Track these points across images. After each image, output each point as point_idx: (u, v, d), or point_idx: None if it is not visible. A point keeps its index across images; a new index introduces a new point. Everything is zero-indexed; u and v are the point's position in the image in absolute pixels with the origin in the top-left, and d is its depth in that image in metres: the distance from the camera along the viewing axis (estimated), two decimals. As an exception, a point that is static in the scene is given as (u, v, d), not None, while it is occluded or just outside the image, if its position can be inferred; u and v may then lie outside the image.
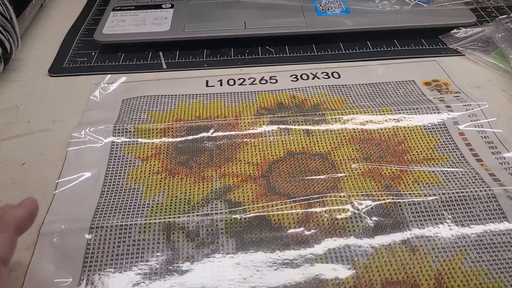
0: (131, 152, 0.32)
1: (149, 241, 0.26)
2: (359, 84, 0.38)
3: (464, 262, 0.25)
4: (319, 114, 0.34)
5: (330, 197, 0.28)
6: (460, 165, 0.30)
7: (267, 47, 0.43)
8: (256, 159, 0.31)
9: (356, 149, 0.31)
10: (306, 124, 0.33)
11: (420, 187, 0.28)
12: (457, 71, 0.39)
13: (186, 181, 0.30)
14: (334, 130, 0.33)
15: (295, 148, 0.32)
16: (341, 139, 0.32)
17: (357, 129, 0.33)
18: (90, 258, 0.25)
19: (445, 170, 0.30)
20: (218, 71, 0.40)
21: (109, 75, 0.39)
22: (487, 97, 0.36)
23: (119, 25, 0.44)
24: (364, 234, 0.26)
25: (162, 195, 0.29)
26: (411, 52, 0.42)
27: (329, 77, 0.39)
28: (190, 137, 0.33)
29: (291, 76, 0.39)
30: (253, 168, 0.30)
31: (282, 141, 0.32)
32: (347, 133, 0.33)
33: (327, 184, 0.29)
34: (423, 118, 0.33)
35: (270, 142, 0.32)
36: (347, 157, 0.31)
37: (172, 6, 0.46)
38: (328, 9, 0.45)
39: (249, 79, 0.39)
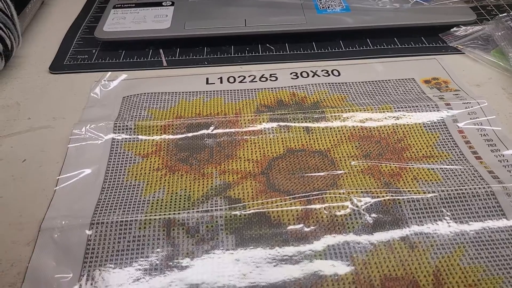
0: (132, 149, 0.32)
1: (149, 237, 0.26)
2: (359, 82, 0.38)
3: (463, 258, 0.25)
4: (319, 111, 0.34)
5: (329, 194, 0.28)
6: (459, 163, 0.30)
7: (267, 44, 0.43)
8: (256, 156, 0.31)
9: (356, 146, 0.32)
10: (306, 122, 0.33)
11: (419, 184, 0.29)
12: (457, 69, 0.39)
13: (186, 177, 0.30)
14: (333, 128, 0.33)
15: (295, 145, 0.32)
16: (340, 136, 0.32)
17: (356, 126, 0.33)
18: (90, 254, 0.25)
19: (444, 168, 0.30)
20: (218, 68, 0.40)
21: (109, 73, 0.40)
22: (486, 95, 0.36)
23: (119, 22, 0.44)
24: (363, 230, 0.26)
25: (162, 192, 0.29)
26: (411, 50, 0.42)
27: (329, 75, 0.39)
28: (190, 134, 0.33)
29: (291, 73, 0.39)
30: (253, 165, 0.30)
31: (282, 138, 0.32)
32: (347, 130, 0.33)
33: (327, 181, 0.29)
34: (423, 116, 0.34)
35: (270, 139, 0.32)
36: (347, 154, 0.31)
37: (172, 4, 0.47)
38: (328, 7, 0.45)
39: (249, 76, 0.39)
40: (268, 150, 0.31)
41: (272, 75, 0.39)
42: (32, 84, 0.39)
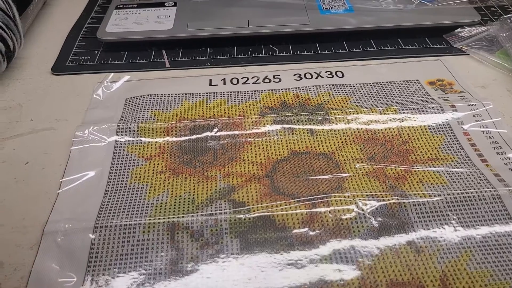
0: (135, 151, 0.32)
1: (153, 241, 0.26)
2: (363, 84, 0.38)
3: (470, 263, 0.24)
4: (323, 113, 0.34)
5: (334, 197, 0.28)
6: (465, 166, 0.30)
7: (271, 45, 0.43)
8: (260, 159, 0.31)
9: (360, 149, 0.31)
10: (310, 124, 0.33)
11: (425, 187, 0.28)
12: (461, 70, 0.39)
13: (190, 180, 0.30)
14: (338, 130, 0.33)
15: (299, 148, 0.32)
16: (345, 138, 0.32)
17: (361, 128, 0.33)
18: (94, 258, 0.25)
19: (450, 171, 0.30)
20: (221, 69, 0.40)
21: (112, 74, 0.39)
22: (491, 97, 0.36)
23: (122, 23, 0.43)
24: (369, 234, 0.26)
25: (166, 195, 0.29)
26: (415, 51, 0.42)
27: (332, 76, 0.39)
28: (193, 137, 0.33)
29: (294, 75, 0.39)
30: (257, 167, 0.30)
31: (286, 140, 0.32)
32: (351, 132, 0.33)
33: (332, 184, 0.29)
34: (428, 118, 0.33)
35: (274, 141, 0.32)
36: (351, 157, 0.31)
37: (175, 4, 0.46)
38: (331, 8, 0.45)
39: (252, 78, 0.39)
40: (272, 153, 0.31)
41: (276, 77, 0.39)
42: (34, 85, 0.39)
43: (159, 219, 0.27)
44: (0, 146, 0.33)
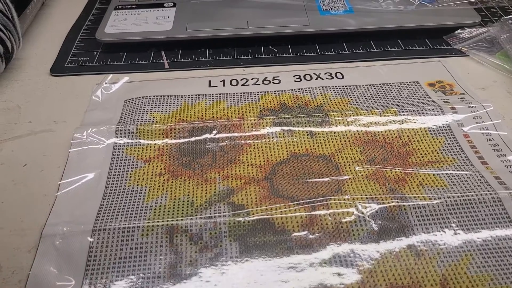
0: (134, 154, 0.32)
1: (152, 244, 0.26)
2: (362, 85, 0.38)
3: (470, 267, 0.24)
4: (322, 115, 0.33)
5: (334, 200, 0.27)
6: (465, 168, 0.30)
7: (270, 47, 0.43)
8: (260, 161, 0.31)
9: (360, 151, 0.31)
10: (309, 126, 0.33)
11: (425, 190, 0.28)
12: (461, 72, 0.39)
13: (189, 183, 0.29)
14: (337, 132, 0.33)
15: (299, 150, 0.31)
16: (345, 141, 0.32)
17: (361, 131, 0.33)
18: (92, 261, 0.25)
19: (450, 173, 0.29)
20: (221, 71, 0.40)
21: (111, 75, 0.39)
22: (492, 99, 0.35)
23: (121, 24, 0.43)
24: (368, 238, 0.26)
25: (165, 197, 0.29)
26: (415, 52, 0.41)
27: (332, 77, 0.39)
28: (193, 139, 0.32)
29: (294, 76, 0.39)
30: (257, 170, 0.30)
31: (285, 142, 0.32)
32: (351, 135, 0.32)
33: (331, 187, 0.29)
34: (428, 120, 0.33)
35: (274, 143, 0.32)
36: (351, 159, 0.31)
37: (174, 5, 0.46)
38: (331, 9, 0.45)
39: (252, 79, 0.39)
40: (271, 155, 0.31)
41: (275, 78, 0.39)
42: (33, 86, 0.39)
43: (157, 222, 0.27)
44: (-2, 148, 0.33)
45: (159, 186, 0.29)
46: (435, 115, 0.33)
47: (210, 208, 0.28)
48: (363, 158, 0.31)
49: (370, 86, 0.37)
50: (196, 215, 0.27)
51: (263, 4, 0.45)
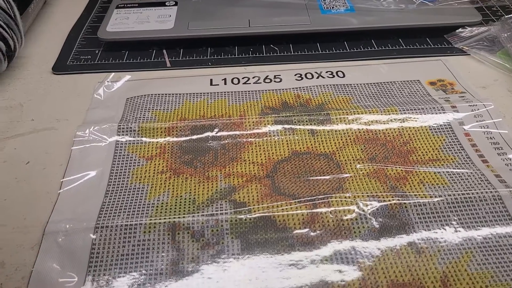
0: (136, 152, 0.32)
1: (154, 241, 0.26)
2: (364, 84, 0.38)
3: (470, 264, 0.24)
4: (324, 113, 0.34)
5: (335, 198, 0.28)
6: (465, 166, 0.30)
7: (271, 45, 0.43)
8: (261, 159, 0.31)
9: (361, 149, 0.31)
10: (311, 124, 0.33)
11: (425, 188, 0.28)
12: (462, 70, 0.39)
13: (191, 180, 0.30)
14: (339, 130, 0.33)
15: (300, 148, 0.32)
16: (346, 139, 0.32)
17: (362, 129, 0.33)
18: (95, 258, 0.25)
19: (451, 171, 0.30)
20: (222, 69, 0.40)
21: (113, 73, 0.39)
22: (492, 97, 0.36)
23: (122, 22, 0.43)
24: (369, 235, 0.26)
25: (167, 195, 0.29)
26: (416, 51, 0.42)
27: (333, 76, 0.39)
28: (194, 137, 0.33)
29: (295, 75, 0.39)
30: (258, 168, 0.30)
31: (287, 141, 0.32)
32: (352, 133, 0.33)
33: (332, 185, 0.29)
34: (429, 119, 0.33)
35: (275, 142, 0.32)
36: (352, 157, 0.31)
37: (176, 4, 0.46)
38: (332, 7, 0.45)
39: (253, 78, 0.39)
40: (273, 153, 0.31)
41: (277, 76, 0.39)
42: (35, 85, 0.39)
43: (160, 219, 0.27)
44: (1, 146, 0.33)
45: (161, 183, 0.30)
46: (436, 113, 0.34)
47: (212, 205, 0.28)
48: (364, 156, 0.31)
49: (371, 85, 0.38)
50: (198, 213, 0.27)
51: (264, 3, 0.46)
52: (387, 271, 0.24)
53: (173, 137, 0.33)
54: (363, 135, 0.32)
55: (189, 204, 0.28)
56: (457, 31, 0.43)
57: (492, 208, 0.27)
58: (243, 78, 0.39)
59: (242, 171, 0.30)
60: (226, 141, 0.32)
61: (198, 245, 0.26)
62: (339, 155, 0.31)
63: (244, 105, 0.36)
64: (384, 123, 0.33)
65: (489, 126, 0.33)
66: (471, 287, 0.24)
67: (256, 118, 0.34)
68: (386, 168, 0.30)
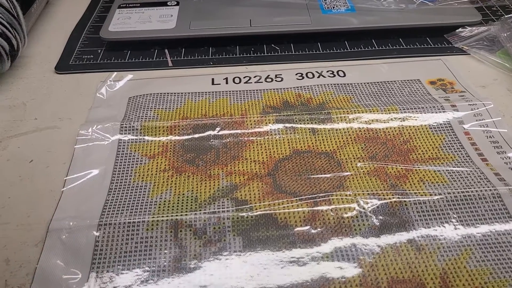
0: (138, 150, 0.32)
1: (156, 238, 0.26)
2: (364, 83, 0.38)
3: (470, 261, 0.25)
4: (324, 112, 0.34)
5: (336, 196, 0.28)
6: (465, 165, 0.30)
7: (273, 45, 0.43)
8: (263, 158, 0.31)
9: (362, 148, 0.32)
10: (312, 123, 0.33)
11: (425, 186, 0.29)
12: (462, 70, 0.39)
13: (193, 179, 0.30)
14: (339, 129, 0.33)
15: (301, 147, 0.32)
16: (346, 138, 0.32)
17: (362, 128, 0.33)
18: (98, 255, 0.26)
19: (450, 170, 0.30)
20: (224, 69, 0.41)
21: (115, 73, 0.40)
22: (492, 97, 0.36)
23: (125, 22, 0.44)
24: (370, 233, 0.26)
25: (169, 193, 0.29)
26: (416, 50, 0.42)
27: (334, 75, 0.39)
28: (196, 135, 0.33)
29: (296, 74, 0.39)
30: (260, 166, 0.31)
31: (288, 139, 0.32)
32: (353, 132, 0.33)
33: (333, 183, 0.29)
34: (429, 117, 0.34)
35: (276, 140, 0.32)
36: (353, 156, 0.31)
37: (177, 4, 0.47)
38: (333, 7, 0.45)
39: (254, 77, 0.39)
40: (274, 152, 0.32)
41: (278, 76, 0.39)
42: (38, 84, 0.39)
43: (162, 217, 0.27)
44: (4, 145, 0.33)
45: (163, 182, 0.30)
46: (436, 112, 0.34)
47: (214, 203, 0.28)
48: (365, 155, 0.31)
49: (372, 84, 0.38)
50: (200, 210, 0.28)
51: (265, 3, 0.46)
52: (387, 268, 0.25)
53: (175, 135, 0.33)
54: (363, 134, 0.33)
55: (191, 202, 0.28)
56: (457, 30, 0.43)
57: (492, 206, 0.27)
58: (244, 78, 0.39)
59: (243, 170, 0.30)
60: (228, 140, 0.32)
61: (200, 242, 0.26)
62: (340, 154, 0.31)
63: (246, 104, 0.36)
64: (384, 122, 0.33)
65: (488, 125, 0.33)
66: (470, 284, 0.24)
67: (257, 117, 0.34)
68: (387, 167, 0.30)
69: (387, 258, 0.25)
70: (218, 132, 0.33)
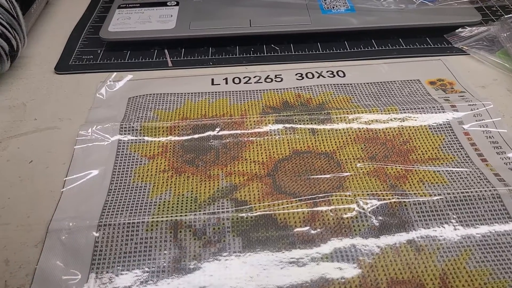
0: (138, 150, 0.32)
1: (156, 239, 0.26)
2: (364, 83, 0.38)
3: (469, 262, 0.25)
4: (324, 113, 0.34)
5: (335, 196, 0.28)
6: (465, 165, 0.30)
7: (272, 45, 0.43)
8: (262, 158, 0.31)
9: (362, 148, 0.32)
10: (311, 123, 0.33)
11: (425, 186, 0.29)
12: (462, 70, 0.39)
13: (193, 179, 0.30)
14: (339, 129, 0.33)
15: (301, 147, 0.32)
16: (346, 138, 0.32)
17: (362, 128, 0.33)
18: (98, 256, 0.26)
19: (450, 170, 0.30)
20: (224, 69, 0.41)
21: (115, 73, 0.40)
22: (492, 97, 0.36)
23: (124, 22, 0.44)
24: (369, 233, 0.26)
25: (169, 193, 0.29)
26: (416, 51, 0.42)
27: (334, 75, 0.39)
28: (196, 136, 0.33)
29: (296, 74, 0.39)
30: (259, 167, 0.31)
31: (287, 140, 0.32)
32: (353, 132, 0.33)
33: (333, 183, 0.29)
34: (428, 118, 0.34)
35: (276, 141, 0.32)
36: (353, 156, 0.31)
37: (177, 4, 0.47)
38: (333, 7, 0.45)
39: (254, 77, 0.39)
40: (274, 152, 0.32)
41: (277, 76, 0.39)
42: (37, 84, 0.39)
43: (162, 217, 0.27)
44: (4, 145, 0.33)
45: (163, 182, 0.30)
46: (436, 113, 0.34)
47: (214, 204, 0.28)
48: (364, 155, 0.31)
49: (371, 84, 0.38)
50: (199, 211, 0.28)
51: (265, 3, 0.46)
52: (387, 268, 0.25)
53: (175, 136, 0.33)
54: (363, 134, 0.33)
55: (191, 203, 0.28)
56: (456, 31, 0.43)
57: (491, 207, 0.27)
58: (244, 78, 0.39)
59: (243, 170, 0.30)
60: (228, 140, 0.32)
61: (200, 243, 0.26)
62: (340, 154, 0.31)
63: (245, 105, 0.36)
64: (384, 122, 0.33)
65: (488, 126, 0.33)
66: (470, 285, 0.24)
67: (257, 118, 0.34)
68: (386, 167, 0.30)
69: (387, 259, 0.25)
70: (217, 132, 0.33)
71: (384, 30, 0.43)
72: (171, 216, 0.27)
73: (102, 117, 0.35)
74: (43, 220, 0.28)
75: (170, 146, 0.32)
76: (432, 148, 0.32)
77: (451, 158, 0.31)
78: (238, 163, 0.31)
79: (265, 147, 0.32)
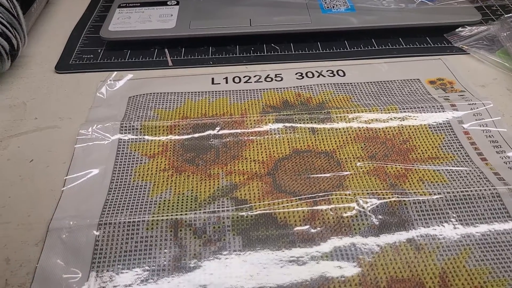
0: (138, 150, 0.32)
1: (156, 238, 0.26)
2: (364, 82, 0.38)
3: (469, 260, 0.25)
4: (324, 112, 0.34)
5: (335, 195, 0.28)
6: (464, 164, 0.30)
7: (272, 44, 0.43)
8: (262, 157, 0.31)
9: (361, 147, 0.32)
10: (311, 122, 0.33)
11: (425, 185, 0.29)
12: (462, 69, 0.39)
13: (193, 178, 0.30)
14: (339, 129, 0.33)
15: (301, 146, 0.32)
16: (346, 137, 0.32)
17: (362, 127, 0.33)
18: (98, 254, 0.26)
19: (450, 169, 0.30)
20: (224, 68, 0.41)
21: (115, 72, 0.40)
22: (492, 96, 0.36)
23: (125, 22, 0.44)
24: (369, 232, 0.26)
25: (169, 192, 0.29)
26: (416, 50, 0.42)
27: (334, 75, 0.39)
28: (196, 135, 0.33)
29: (296, 74, 0.39)
30: (259, 166, 0.31)
31: (287, 139, 0.32)
32: (352, 131, 0.33)
33: (333, 182, 0.29)
34: (428, 117, 0.34)
35: (276, 140, 0.32)
36: (353, 155, 0.31)
37: (177, 3, 0.47)
38: (333, 7, 0.45)
39: (254, 76, 0.39)
40: (274, 151, 0.32)
41: (278, 75, 0.39)
42: (38, 83, 0.39)
43: (162, 216, 0.27)
44: (5, 144, 0.33)
45: (163, 181, 0.30)
46: (436, 112, 0.34)
47: (214, 202, 0.28)
48: (364, 154, 0.31)
49: (371, 84, 0.38)
50: (200, 210, 0.28)
51: (265, 2, 0.46)
52: (387, 267, 0.25)
53: (175, 135, 0.33)
54: (363, 134, 0.33)
55: (191, 202, 0.28)
56: (456, 30, 0.43)
57: (491, 206, 0.27)
58: (244, 77, 0.39)
59: (243, 169, 0.30)
60: (228, 139, 0.33)
61: (200, 241, 0.26)
62: (340, 153, 0.31)
63: (245, 104, 0.36)
64: (384, 122, 0.33)
65: (488, 125, 0.33)
66: (470, 283, 0.24)
67: (257, 117, 0.34)
68: (386, 166, 0.30)
69: (387, 258, 0.25)
70: (218, 131, 0.33)
71: (384, 30, 0.43)
72: (171, 215, 0.27)
73: (103, 116, 0.35)
74: (44, 219, 0.28)
75: (171, 145, 0.32)
76: (432, 147, 0.32)
77: (451, 157, 0.31)
78: (238, 162, 0.31)
79: (265, 146, 0.32)
